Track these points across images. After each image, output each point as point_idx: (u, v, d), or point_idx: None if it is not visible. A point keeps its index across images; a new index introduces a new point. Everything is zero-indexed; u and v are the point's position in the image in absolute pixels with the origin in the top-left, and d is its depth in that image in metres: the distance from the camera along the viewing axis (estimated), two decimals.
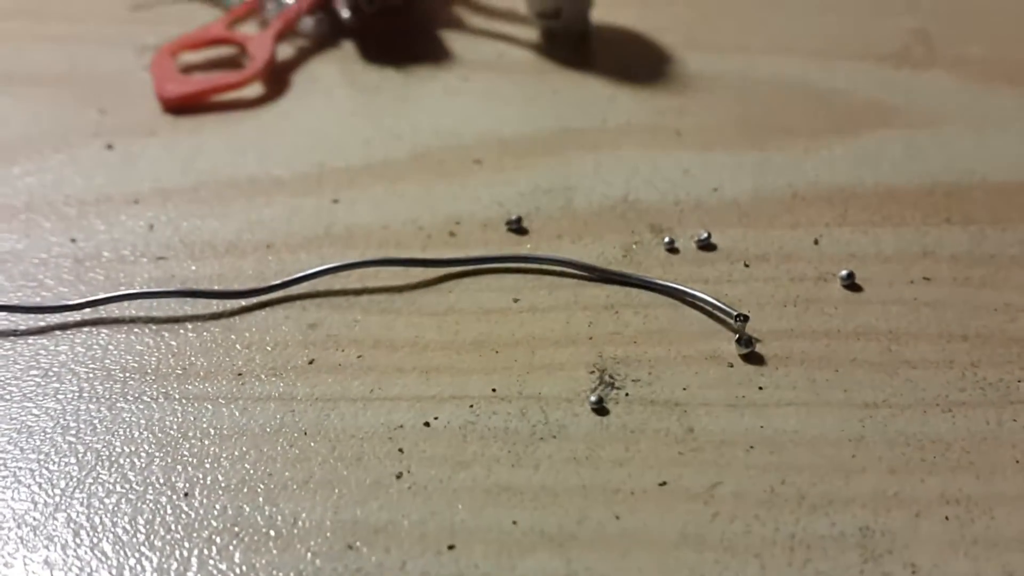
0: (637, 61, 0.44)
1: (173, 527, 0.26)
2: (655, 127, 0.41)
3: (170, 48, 0.43)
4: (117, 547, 0.26)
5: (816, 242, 0.35)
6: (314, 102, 0.43)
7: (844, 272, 0.33)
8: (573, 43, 0.46)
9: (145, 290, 0.32)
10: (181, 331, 0.32)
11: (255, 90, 0.43)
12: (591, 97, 0.43)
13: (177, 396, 0.29)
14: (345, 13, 0.46)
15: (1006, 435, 0.28)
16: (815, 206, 0.36)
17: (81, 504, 0.27)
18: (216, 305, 0.32)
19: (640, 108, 0.42)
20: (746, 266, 0.34)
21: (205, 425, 0.29)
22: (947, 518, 0.26)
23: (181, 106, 0.41)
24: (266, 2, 0.45)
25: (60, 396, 0.30)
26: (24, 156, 0.39)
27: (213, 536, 0.26)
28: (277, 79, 0.44)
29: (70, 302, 0.32)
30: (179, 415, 0.29)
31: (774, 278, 0.33)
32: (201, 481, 0.27)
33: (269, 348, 0.31)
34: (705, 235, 0.35)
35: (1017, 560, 0.25)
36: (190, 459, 0.28)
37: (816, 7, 0.48)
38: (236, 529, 0.26)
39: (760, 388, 0.29)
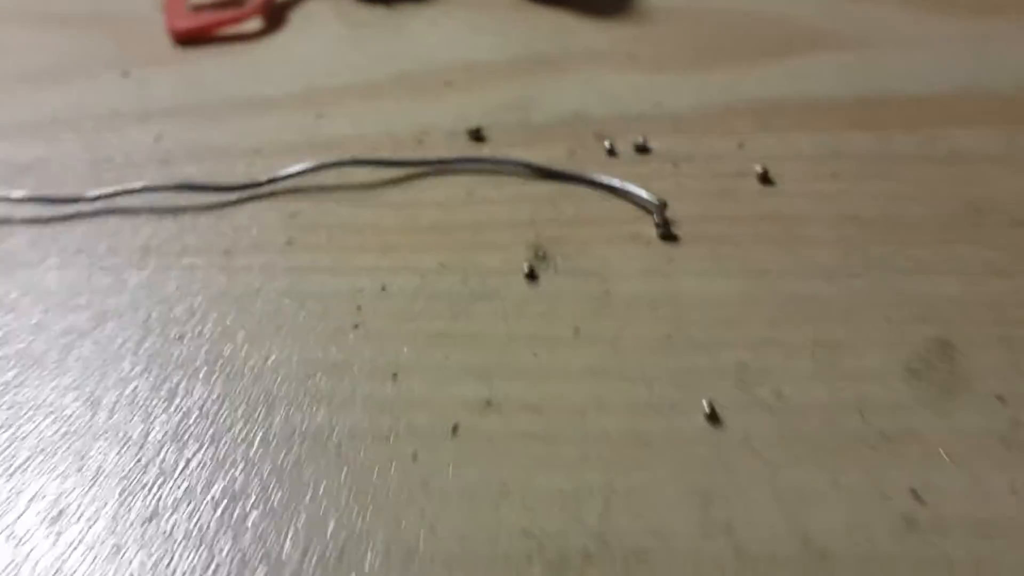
0: None
1: (166, 363, 0.31)
2: (612, 53, 0.45)
3: None
4: (120, 378, 0.31)
5: (740, 146, 0.39)
6: (308, 35, 0.48)
7: (759, 168, 0.37)
8: None
9: (149, 184, 0.38)
10: (180, 217, 0.37)
11: (255, 25, 0.48)
12: (558, 27, 0.47)
13: (174, 267, 0.35)
14: None
15: (880, 298, 0.32)
16: (744, 117, 0.41)
17: (91, 346, 0.32)
18: (211, 198, 0.38)
19: (600, 36, 0.46)
20: (675, 165, 0.38)
21: (196, 287, 0.34)
22: (815, 356, 0.30)
23: (189, 39, 0.47)
24: None
25: (76, 268, 0.35)
26: (50, 82, 0.45)
27: (199, 370, 0.31)
28: (276, 15, 0.49)
29: (85, 194, 0.37)
30: (175, 280, 0.34)
31: (698, 175, 0.38)
32: (192, 330, 0.32)
33: (254, 232, 0.36)
34: (642, 140, 0.39)
35: (871, 390, 0.29)
36: (183, 314, 0.33)
37: None
38: (219, 363, 0.31)
39: (671, 260, 0.34)
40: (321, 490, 0.27)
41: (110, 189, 0.37)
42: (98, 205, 0.37)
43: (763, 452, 0.28)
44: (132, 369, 0.31)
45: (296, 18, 0.49)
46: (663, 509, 0.27)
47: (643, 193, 0.36)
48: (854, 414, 0.29)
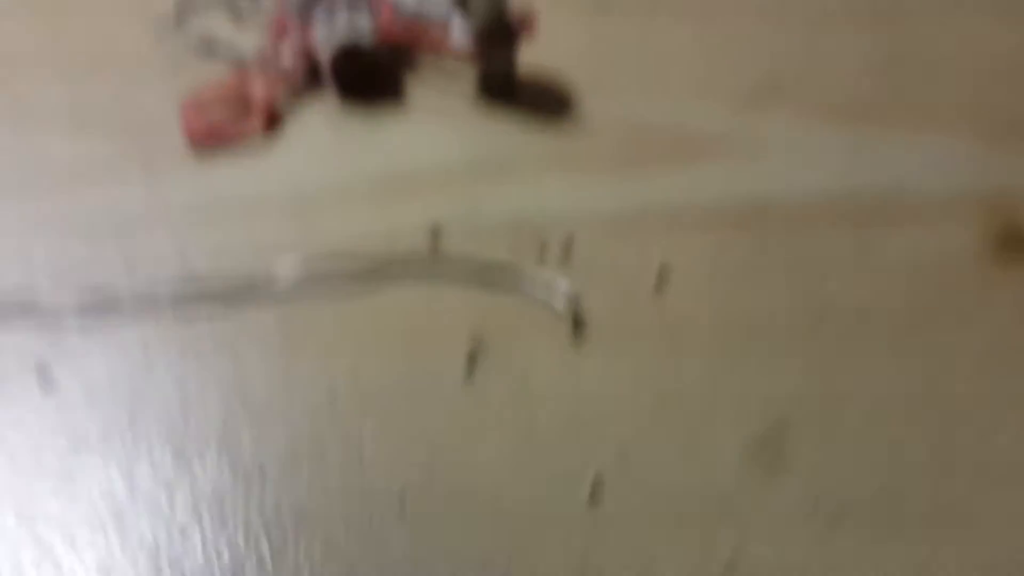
0: (543, 101, 0.59)
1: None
2: (550, 158, 0.55)
3: (194, 99, 0.58)
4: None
5: (644, 250, 0.49)
6: (301, 140, 0.57)
7: (657, 270, 0.47)
8: (502, 84, 0.60)
9: (173, 278, 0.48)
10: (191, 317, 0.47)
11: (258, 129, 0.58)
12: (507, 132, 0.56)
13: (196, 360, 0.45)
14: (326, 70, 0.60)
15: (730, 389, 0.42)
16: (651, 222, 0.50)
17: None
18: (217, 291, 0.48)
19: (542, 142, 0.56)
20: (591, 267, 0.48)
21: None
22: (676, 440, 0.40)
23: (204, 145, 0.57)
24: (270, 59, 0.60)
25: (126, 365, 0.45)
26: (83, 182, 0.55)
27: (204, 449, 0.41)
28: (275, 120, 0.58)
29: (121, 291, 0.47)
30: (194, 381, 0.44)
31: (609, 276, 0.48)
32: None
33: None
34: (568, 242, 0.49)
35: (711, 470, 0.39)
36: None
37: (694, 52, 0.61)
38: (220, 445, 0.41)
39: (579, 357, 0.44)
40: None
41: (143, 287, 0.48)
42: (136, 300, 0.47)
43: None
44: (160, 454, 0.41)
45: (293, 125, 0.59)
46: None
47: (560, 296, 0.46)
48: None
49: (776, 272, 0.47)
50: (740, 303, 0.46)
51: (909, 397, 0.42)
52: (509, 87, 0.59)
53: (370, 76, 0.60)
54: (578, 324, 0.45)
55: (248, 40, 0.62)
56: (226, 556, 0.38)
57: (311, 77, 0.60)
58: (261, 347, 0.45)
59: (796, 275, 0.47)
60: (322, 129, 0.58)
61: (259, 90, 0.59)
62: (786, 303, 0.46)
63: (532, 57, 0.60)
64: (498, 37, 0.58)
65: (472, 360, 0.44)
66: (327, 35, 0.59)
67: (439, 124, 0.58)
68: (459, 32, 0.58)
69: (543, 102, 0.59)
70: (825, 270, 0.47)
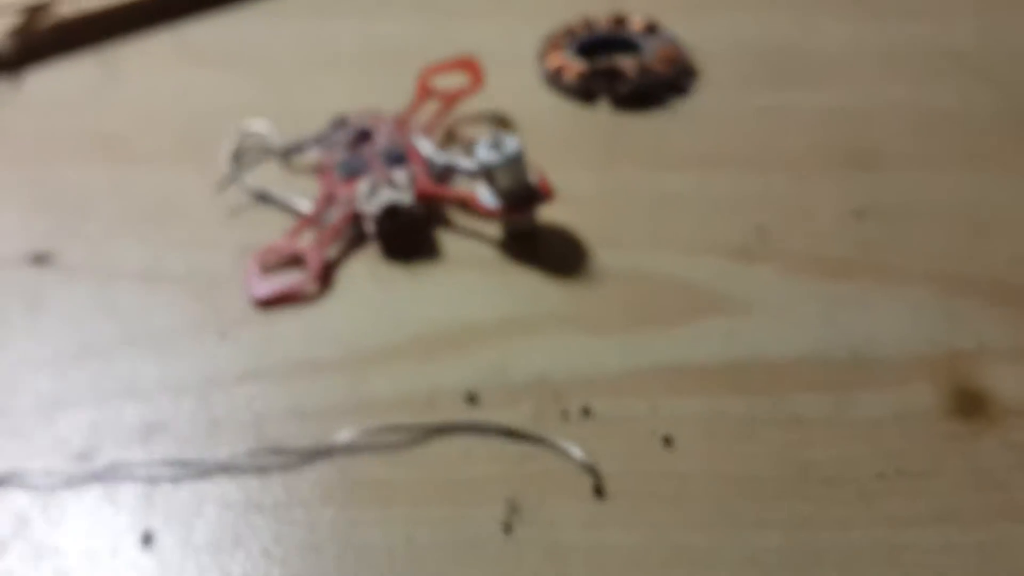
0: (561, 255, 0.67)
1: None
2: (569, 316, 0.62)
3: (255, 259, 0.67)
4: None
5: (652, 409, 0.57)
6: (349, 298, 0.66)
7: (664, 431, 0.55)
8: (524, 238, 0.68)
9: (251, 447, 0.56)
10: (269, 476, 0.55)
11: (313, 286, 0.66)
12: (532, 290, 0.64)
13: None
14: (369, 227, 0.68)
15: (731, 553, 0.50)
16: (656, 380, 0.55)
17: None
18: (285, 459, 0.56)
19: (562, 299, 0.64)
20: (606, 426, 0.56)
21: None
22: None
23: (266, 305, 0.65)
24: (320, 215, 0.68)
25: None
26: (166, 345, 0.63)
27: None
28: (327, 276, 0.67)
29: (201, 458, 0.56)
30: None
31: (623, 437, 0.55)
32: None
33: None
34: (585, 403, 0.57)
35: None
36: None
37: (694, 203, 0.70)
38: None
39: (601, 513, 0.52)
40: None
41: (225, 455, 0.56)
42: (218, 465, 0.56)
43: None
44: None
45: (342, 277, 0.67)
46: None
47: (582, 455, 0.54)
48: None
49: (764, 430, 0.55)
50: (736, 464, 0.54)
51: (875, 553, 0.50)
52: (531, 242, 0.68)
53: (410, 231, 0.69)
54: (598, 481, 0.53)
55: (298, 188, 0.70)
56: None
57: (356, 233, 0.69)
58: (327, 500, 0.53)
59: (780, 434, 0.55)
60: (368, 283, 0.67)
61: (313, 250, 0.67)
62: (772, 461, 0.54)
63: (549, 212, 0.68)
64: (521, 201, 0.66)
65: (511, 514, 0.52)
66: (371, 194, 0.67)
67: (470, 277, 0.66)
68: (485, 197, 0.67)
69: (561, 256, 0.67)
70: (805, 429, 0.55)
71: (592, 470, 0.53)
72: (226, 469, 0.55)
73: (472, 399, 0.58)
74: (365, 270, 0.67)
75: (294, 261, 0.67)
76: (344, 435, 0.56)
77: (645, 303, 0.63)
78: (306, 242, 0.68)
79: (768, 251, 0.65)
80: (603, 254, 0.66)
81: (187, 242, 0.70)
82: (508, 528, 0.51)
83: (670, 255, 0.66)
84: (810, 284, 0.63)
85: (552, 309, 0.63)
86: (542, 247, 0.68)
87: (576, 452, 0.54)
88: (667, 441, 0.55)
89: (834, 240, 0.66)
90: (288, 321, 0.64)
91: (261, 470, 0.55)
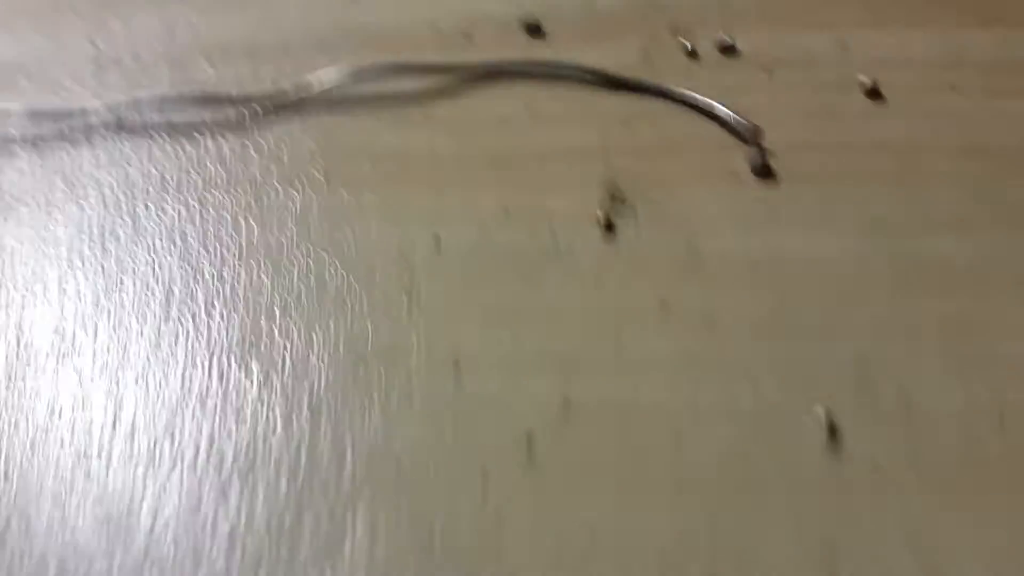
0: None
1: (196, 339, 0.27)
2: None
3: None
4: (143, 360, 0.27)
5: (843, 47, 0.34)
6: None
7: (867, 81, 0.32)
8: None
9: (164, 94, 0.33)
10: (200, 139, 0.32)
11: None
12: None
13: (197, 207, 0.30)
14: None
15: (1014, 257, 0.28)
16: (847, 4, 0.35)
17: (108, 318, 0.28)
18: (234, 113, 0.33)
19: None
20: (767, 73, 0.33)
21: (225, 237, 0.29)
22: (945, 342, 0.26)
23: None
24: None
25: (84, 204, 0.30)
26: None
27: (233, 348, 0.27)
28: None
29: (91, 106, 0.32)
30: (199, 226, 0.30)
31: (796, 86, 0.33)
32: (221, 294, 0.28)
33: (285, 160, 0.31)
34: (726, 37, 0.34)
35: (1014, 389, 0.25)
36: (211, 271, 0.29)
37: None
38: (254, 341, 0.27)
39: (770, 206, 0.29)
40: (380, 525, 0.24)
41: (120, 98, 0.32)
42: (106, 121, 0.32)
43: (895, 484, 0.24)
44: (154, 350, 0.27)
45: None
46: (780, 566, 0.23)
47: (734, 116, 0.31)
48: (994, 425, 0.25)
49: None
50: (999, 128, 0.31)
51: None
52: None
53: None
54: (762, 154, 0.30)
55: None
56: None
57: None
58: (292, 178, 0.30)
59: None
60: None
61: None
62: None
63: None
64: None
65: (615, 202, 0.29)
66: None
67: None
68: None
69: None
70: None
71: (751, 136, 0.30)
72: (125, 126, 0.32)
73: (536, 32, 0.34)
74: None
75: None
76: (323, 76, 0.32)
77: None
78: None
79: None
80: None
81: None
82: (609, 226, 0.29)
83: None
84: None
85: None
86: None
87: (720, 109, 0.31)
88: (873, 93, 0.32)
89: None
90: None
91: (182, 129, 0.32)
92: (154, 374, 0.27)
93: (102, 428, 0.26)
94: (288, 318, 0.28)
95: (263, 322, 0.28)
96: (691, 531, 0.23)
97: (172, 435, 0.25)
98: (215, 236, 0.30)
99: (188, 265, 0.29)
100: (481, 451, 0.25)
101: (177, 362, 0.27)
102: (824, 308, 0.27)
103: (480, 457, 0.25)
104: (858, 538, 0.23)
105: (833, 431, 0.25)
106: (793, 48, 0.34)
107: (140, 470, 0.25)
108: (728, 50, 0.34)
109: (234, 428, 0.25)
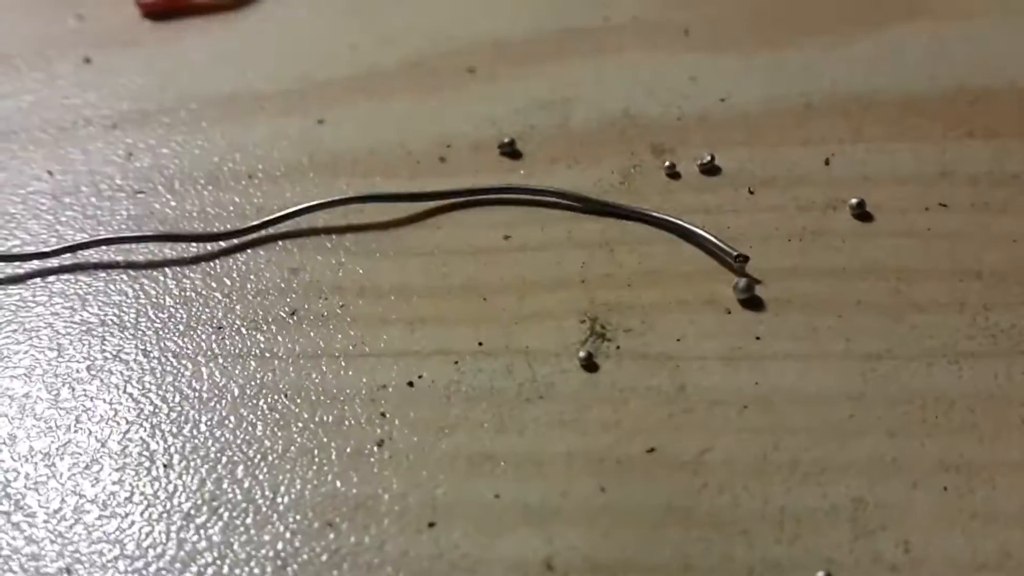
0: None
1: (152, 500, 0.25)
2: (661, 24, 0.38)
3: None
4: (97, 527, 0.25)
5: (827, 162, 0.33)
6: (297, 3, 0.40)
7: (854, 200, 0.31)
8: None
9: (123, 234, 0.31)
10: (160, 278, 0.31)
11: None
12: None
13: (156, 353, 0.29)
14: None
15: (1015, 391, 0.27)
16: (829, 118, 0.34)
17: (63, 474, 0.26)
18: (196, 248, 0.31)
19: (645, 1, 0.39)
20: (751, 192, 0.32)
21: (184, 387, 0.28)
22: (945, 488, 0.25)
23: (159, 11, 0.39)
24: None
25: (38, 354, 0.29)
26: (1, 74, 0.38)
27: (192, 512, 0.25)
28: None
29: (47, 249, 0.31)
30: (158, 375, 0.28)
31: (780, 207, 0.31)
32: (180, 451, 0.26)
33: (250, 297, 0.30)
34: (708, 158, 0.33)
35: (1015, 538, 0.24)
36: (169, 426, 0.27)
37: None
38: (215, 504, 0.25)
39: (757, 338, 0.28)
40: None
41: (75, 239, 0.31)
42: (63, 260, 0.31)
43: None
44: (109, 515, 0.25)
45: None
46: None
47: (718, 242, 0.30)
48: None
49: None
50: (992, 248, 0.30)
51: None
52: None
53: None
54: (749, 284, 0.29)
55: None
56: None
57: None
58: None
59: None
60: None
61: None
62: None
63: None
64: None
65: (596, 337, 0.28)
66: None
67: None
68: None
69: None
70: None
71: (736, 264, 0.29)
72: (81, 266, 0.31)
73: (511, 153, 0.33)
74: None
75: None
76: (290, 206, 0.31)
77: (786, 6, 0.38)
78: None
79: None
80: None
81: None
82: (591, 364, 0.27)
83: None
84: None
85: (634, 16, 0.38)
86: None
87: (704, 233, 0.30)
88: (860, 214, 0.31)
89: None
90: (194, 38, 0.39)
91: (141, 268, 0.31)
92: (107, 537, 0.25)
93: None
94: (251, 477, 0.26)
95: (225, 483, 0.26)
96: None
97: None
98: (174, 385, 0.28)
99: (145, 418, 0.27)
100: None
101: (132, 524, 0.25)
102: (819, 448, 0.26)
103: None
104: None
105: None
106: (776, 166, 0.33)
107: None
108: (710, 170, 0.33)
109: None
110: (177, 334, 0.29)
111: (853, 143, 0.33)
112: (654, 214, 0.31)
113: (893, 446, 0.26)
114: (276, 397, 0.28)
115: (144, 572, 0.24)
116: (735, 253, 0.29)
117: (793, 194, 0.32)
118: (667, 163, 0.33)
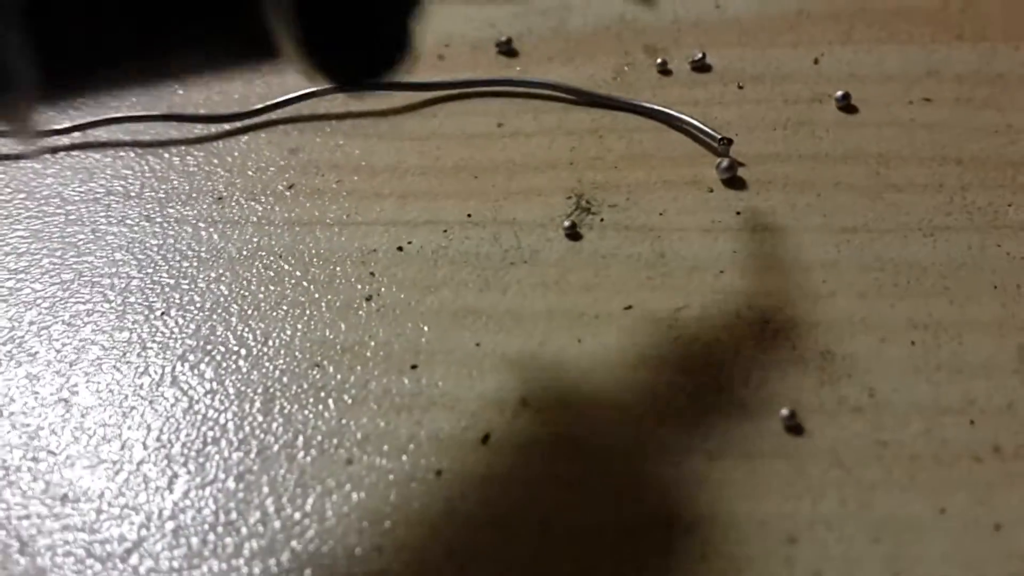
0: None
1: (149, 344, 0.27)
2: None
3: None
4: (96, 363, 0.26)
5: (816, 61, 0.33)
6: None
7: (839, 93, 0.32)
8: None
9: (131, 114, 0.32)
10: (165, 155, 0.32)
11: None
12: None
13: (159, 219, 0.30)
14: None
15: (987, 261, 0.27)
16: (820, 24, 0.35)
17: (64, 323, 0.27)
18: (200, 129, 0.32)
19: None
20: (740, 87, 0.33)
21: (184, 247, 0.29)
22: (913, 343, 0.25)
23: None
24: None
25: (47, 219, 0.30)
26: None
27: (187, 353, 0.26)
28: None
29: (58, 126, 0.32)
30: (159, 237, 0.29)
31: (767, 100, 0.32)
32: (177, 301, 0.28)
33: (250, 173, 0.31)
34: (699, 55, 0.33)
35: (979, 387, 0.24)
36: (168, 280, 0.28)
37: None
38: (208, 347, 0.26)
39: (738, 213, 0.29)
40: (329, 514, 0.23)
41: (85, 118, 0.32)
42: (73, 138, 0.32)
43: (853, 472, 0.23)
44: (107, 354, 0.27)
45: None
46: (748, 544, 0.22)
47: (703, 127, 0.31)
48: (961, 420, 0.24)
49: (1020, 91, 0.32)
50: (972, 138, 0.31)
51: None
52: None
53: None
54: (732, 164, 0.30)
55: None
56: None
57: None
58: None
59: None
60: None
61: None
62: None
63: None
64: None
65: (581, 211, 0.29)
66: None
67: None
68: None
69: None
70: None
71: (721, 147, 0.29)
72: (91, 144, 0.32)
73: (508, 52, 0.34)
74: None
75: None
76: (290, 93, 0.32)
77: None
78: None
79: None
80: None
81: None
82: (575, 233, 0.28)
83: None
84: None
85: None
86: None
87: (691, 120, 0.31)
88: (845, 106, 0.31)
89: None
90: None
91: (148, 146, 0.32)
92: (106, 378, 0.26)
93: (51, 429, 0.25)
94: (245, 324, 0.27)
95: (219, 329, 0.27)
96: (631, 525, 0.22)
97: (120, 436, 0.25)
98: (175, 247, 0.29)
99: (146, 274, 0.28)
100: (438, 446, 0.24)
101: (129, 366, 0.26)
102: (790, 308, 0.26)
103: (435, 454, 0.24)
104: (817, 524, 0.22)
105: (795, 425, 0.24)
106: (766, 65, 0.33)
107: (88, 469, 0.24)
108: (700, 68, 0.33)
109: (184, 428, 0.25)
110: (179, 203, 0.30)
111: (843, 44, 0.34)
112: (643, 104, 0.32)
113: (863, 306, 0.26)
114: (271, 259, 0.29)
115: (137, 409, 0.25)
116: (719, 136, 0.30)
117: (781, 89, 0.33)
118: (659, 60, 0.34)
